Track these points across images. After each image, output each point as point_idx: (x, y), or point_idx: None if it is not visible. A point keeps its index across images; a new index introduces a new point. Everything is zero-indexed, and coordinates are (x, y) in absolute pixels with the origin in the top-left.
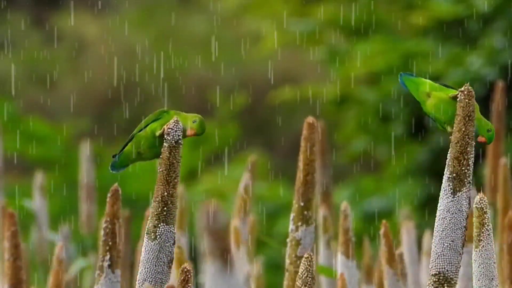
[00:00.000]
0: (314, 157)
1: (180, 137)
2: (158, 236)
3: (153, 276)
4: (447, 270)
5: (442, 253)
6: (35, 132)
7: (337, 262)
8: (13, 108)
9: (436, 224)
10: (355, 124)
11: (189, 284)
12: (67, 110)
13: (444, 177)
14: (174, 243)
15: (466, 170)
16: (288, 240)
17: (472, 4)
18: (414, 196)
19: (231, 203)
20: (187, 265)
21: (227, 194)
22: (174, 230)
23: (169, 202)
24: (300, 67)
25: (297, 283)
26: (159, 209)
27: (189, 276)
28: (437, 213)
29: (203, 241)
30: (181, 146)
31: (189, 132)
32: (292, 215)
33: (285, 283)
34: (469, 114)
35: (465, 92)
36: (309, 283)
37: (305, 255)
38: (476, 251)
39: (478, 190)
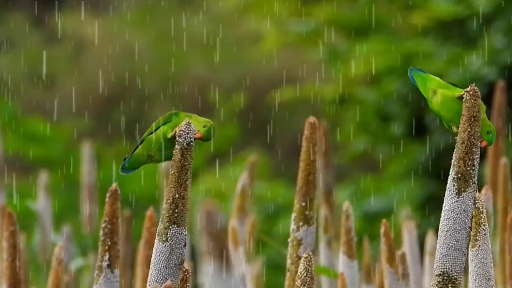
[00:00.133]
0: (315, 157)
1: (191, 139)
2: (169, 238)
3: (163, 278)
4: (452, 270)
5: (446, 253)
6: (35, 132)
7: (339, 262)
8: (13, 108)
9: (440, 224)
10: (355, 124)
11: (188, 284)
12: (67, 110)
13: (449, 177)
14: (185, 245)
15: (471, 171)
16: (289, 240)
17: (472, 4)
18: (414, 196)
19: (230, 203)
20: (186, 265)
21: (227, 194)
22: (185, 232)
23: (180, 204)
24: (300, 67)
25: (296, 282)
26: (170, 211)
27: (187, 275)
28: (442, 213)
29: (202, 241)
30: (192, 148)
31: (196, 134)
32: (293, 215)
33: (287, 283)
34: (474, 115)
35: (471, 93)
36: (308, 283)
37: (304, 255)
38: (473, 251)
39: (478, 190)
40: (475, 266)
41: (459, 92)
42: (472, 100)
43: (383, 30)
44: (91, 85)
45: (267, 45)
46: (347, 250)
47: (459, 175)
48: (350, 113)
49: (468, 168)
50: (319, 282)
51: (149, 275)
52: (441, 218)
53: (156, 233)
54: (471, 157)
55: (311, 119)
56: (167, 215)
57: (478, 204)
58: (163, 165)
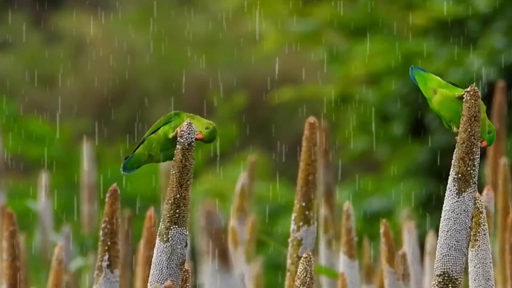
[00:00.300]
0: (315, 157)
1: (193, 139)
2: (170, 238)
3: (164, 278)
4: (452, 271)
5: (447, 253)
6: (35, 132)
7: (339, 262)
8: (13, 108)
9: (441, 224)
10: (355, 124)
11: (187, 284)
12: (67, 110)
13: (449, 177)
14: (186, 245)
15: (471, 171)
16: (289, 240)
17: (472, 4)
18: (414, 196)
19: (230, 203)
20: (186, 265)
21: (227, 194)
22: (186, 232)
23: (181, 204)
24: (300, 67)
25: (296, 282)
26: (171, 211)
27: (187, 275)
28: (442, 214)
29: (202, 241)
30: (193, 148)
31: (198, 135)
32: (293, 215)
33: (287, 283)
34: (475, 115)
35: (471, 93)
36: (307, 283)
37: (304, 255)
38: (472, 251)
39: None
40: (474, 266)
41: (459, 92)
42: (472, 100)
43: (383, 30)
44: (91, 85)
45: (267, 45)
46: (348, 250)
47: (460, 175)
48: (350, 113)
49: (468, 168)
50: (319, 282)
51: (150, 275)
52: (441, 218)
53: (157, 233)
54: (472, 157)
55: (311, 119)
56: (168, 215)
57: (478, 204)
58: (164, 165)
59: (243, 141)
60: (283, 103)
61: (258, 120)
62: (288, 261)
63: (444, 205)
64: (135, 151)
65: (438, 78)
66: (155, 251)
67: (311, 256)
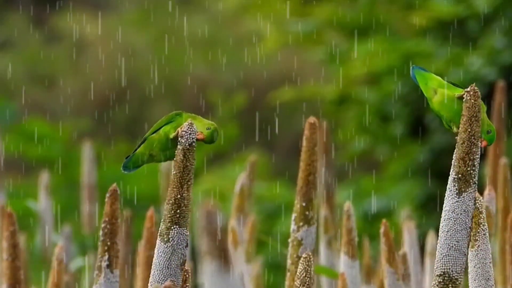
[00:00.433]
0: (315, 157)
1: (194, 140)
2: (171, 239)
3: (165, 279)
4: (452, 271)
5: (447, 253)
6: (35, 132)
7: (340, 262)
8: (13, 108)
9: (441, 224)
10: (355, 124)
11: (187, 284)
12: (67, 110)
13: (449, 177)
14: (187, 246)
15: (471, 171)
16: (289, 240)
17: (472, 4)
18: (414, 196)
19: (230, 203)
20: (185, 265)
21: (227, 194)
22: (187, 232)
23: (182, 205)
24: (300, 67)
25: (295, 283)
26: (172, 212)
27: (187, 275)
28: (442, 214)
29: (202, 241)
30: (194, 149)
31: (199, 136)
32: (293, 215)
33: (287, 283)
34: (475, 115)
35: (471, 93)
36: (307, 283)
37: (304, 255)
38: (472, 251)
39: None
40: (474, 266)
41: (459, 92)
42: (472, 100)
43: (383, 30)
44: (91, 85)
45: (267, 45)
46: (349, 250)
47: (460, 175)
48: (350, 113)
49: (468, 168)
50: (319, 282)
51: (151, 275)
52: (441, 218)
53: (158, 234)
54: (472, 157)
55: (311, 119)
56: (169, 215)
57: (478, 204)
58: (164, 165)
59: (243, 141)
60: (283, 103)
61: (258, 120)
62: (288, 261)
63: (444, 205)
64: (136, 150)
65: (439, 78)
66: (155, 251)
67: (311, 256)
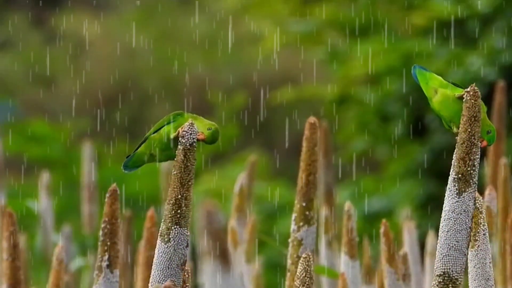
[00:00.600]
0: (315, 157)
1: (194, 140)
2: (172, 239)
3: (165, 279)
4: (452, 271)
5: (447, 253)
6: (35, 132)
7: (340, 262)
8: (13, 108)
9: (441, 224)
10: (355, 124)
11: (187, 284)
12: (67, 110)
13: (449, 177)
14: (187, 246)
15: (471, 171)
16: (289, 240)
17: (472, 4)
18: (414, 196)
19: (230, 203)
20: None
21: (227, 194)
22: (187, 232)
23: (182, 205)
24: (300, 67)
25: (295, 283)
26: (173, 212)
27: (187, 275)
28: (442, 214)
29: (202, 241)
30: (195, 149)
31: (199, 136)
32: (293, 215)
33: (287, 283)
34: (475, 115)
35: (471, 93)
36: (307, 283)
37: (303, 255)
38: (472, 251)
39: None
40: (474, 266)
41: (459, 92)
42: (473, 100)
43: (383, 30)
44: (91, 85)
45: (267, 45)
46: (349, 250)
47: (460, 175)
48: (350, 113)
49: (468, 169)
50: (319, 283)
51: (151, 275)
52: (441, 219)
53: (158, 234)
54: (472, 158)
55: (311, 119)
56: (169, 215)
57: (477, 204)
58: (164, 165)
59: (243, 141)
60: (283, 103)
61: (258, 120)
62: (288, 261)
63: (444, 205)
64: (136, 150)
65: (440, 78)
66: (156, 251)
67: (311, 256)
